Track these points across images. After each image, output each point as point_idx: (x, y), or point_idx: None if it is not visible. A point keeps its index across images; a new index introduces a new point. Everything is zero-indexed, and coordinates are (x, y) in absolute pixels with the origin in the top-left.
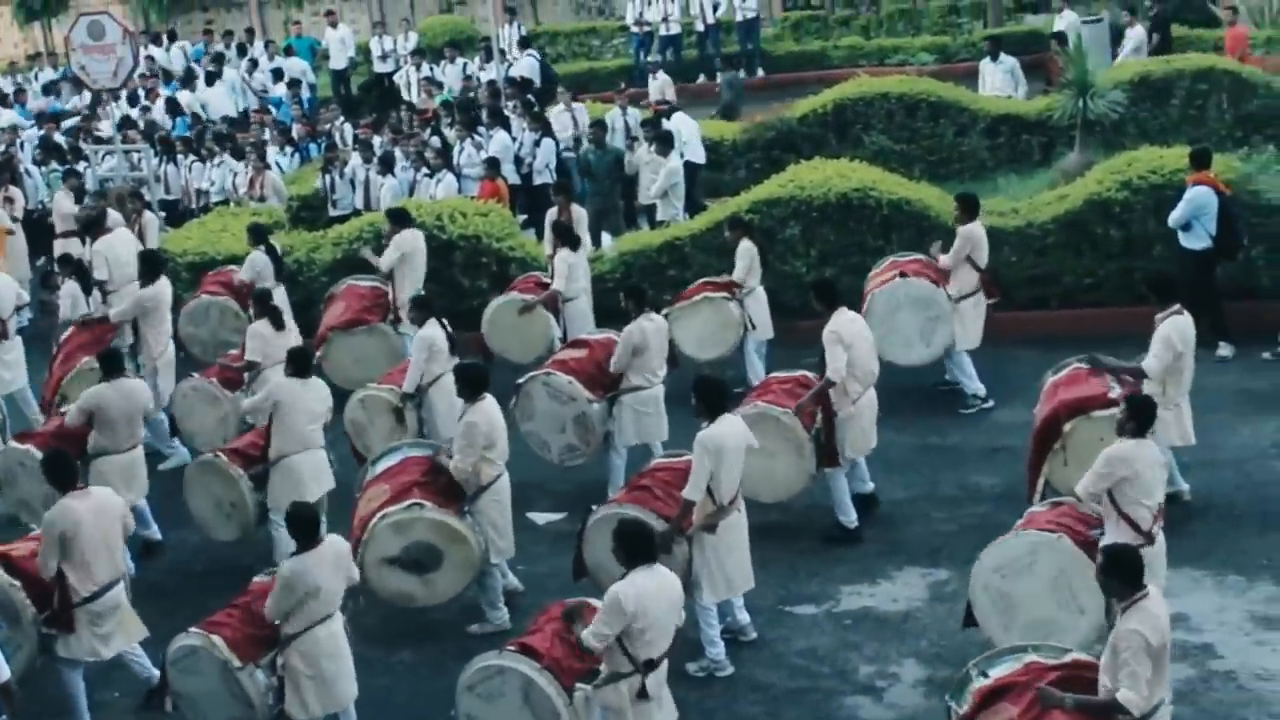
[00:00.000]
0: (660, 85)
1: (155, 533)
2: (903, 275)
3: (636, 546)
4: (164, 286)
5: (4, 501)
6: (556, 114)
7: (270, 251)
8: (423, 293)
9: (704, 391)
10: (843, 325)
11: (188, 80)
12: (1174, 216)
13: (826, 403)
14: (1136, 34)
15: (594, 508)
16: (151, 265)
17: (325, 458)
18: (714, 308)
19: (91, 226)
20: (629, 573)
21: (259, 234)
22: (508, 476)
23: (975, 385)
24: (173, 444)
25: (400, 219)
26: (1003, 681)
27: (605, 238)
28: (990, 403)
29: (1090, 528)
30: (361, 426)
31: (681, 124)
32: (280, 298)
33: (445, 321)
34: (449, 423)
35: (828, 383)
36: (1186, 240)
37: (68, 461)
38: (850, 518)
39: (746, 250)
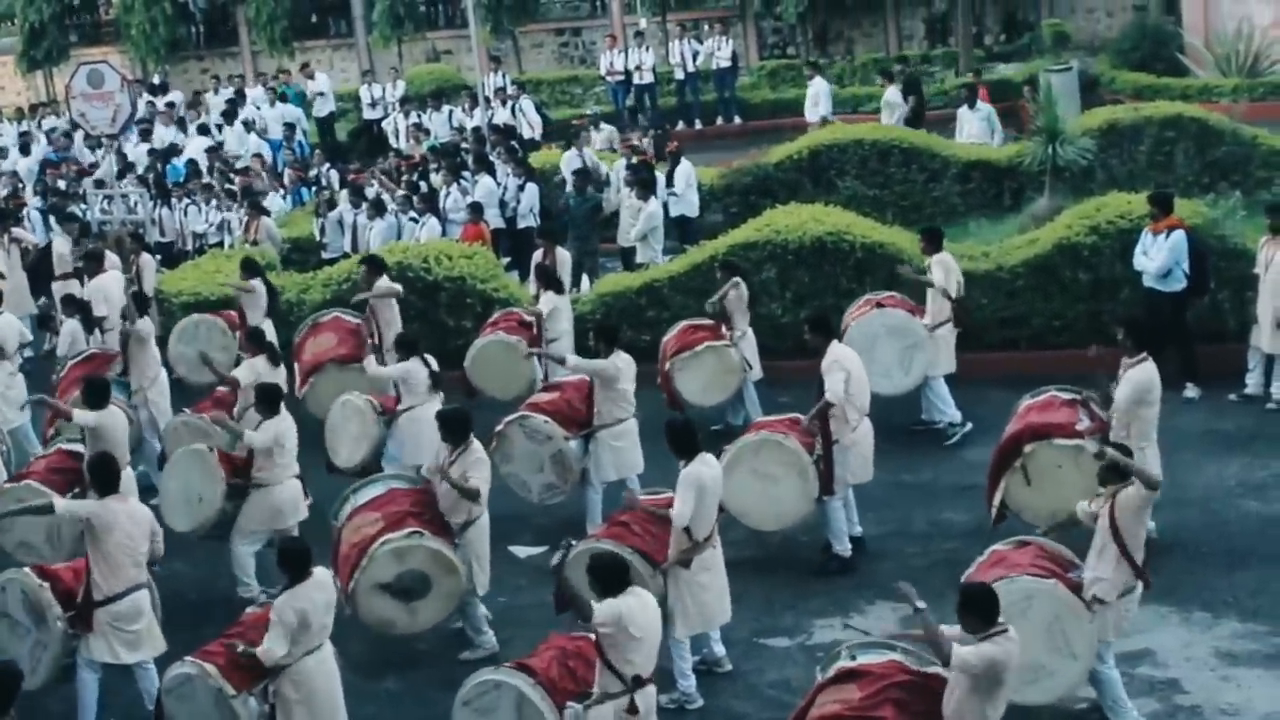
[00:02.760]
0: (606, 136)
1: None
2: (879, 306)
3: (610, 578)
4: (149, 322)
5: (5, 541)
6: (569, 158)
7: (265, 284)
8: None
9: (675, 435)
10: (840, 353)
11: (230, 116)
12: (1156, 265)
13: (826, 430)
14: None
15: (572, 543)
16: (139, 303)
17: (300, 488)
18: (718, 356)
19: (90, 264)
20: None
21: (252, 267)
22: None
23: (952, 413)
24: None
25: (377, 266)
26: (863, 668)
27: (584, 281)
28: (969, 425)
29: (1068, 569)
30: (335, 426)
31: (681, 173)
32: (271, 334)
33: (429, 359)
34: (414, 453)
35: (826, 404)
36: (1161, 283)
37: (111, 466)
38: (845, 546)
39: (738, 296)
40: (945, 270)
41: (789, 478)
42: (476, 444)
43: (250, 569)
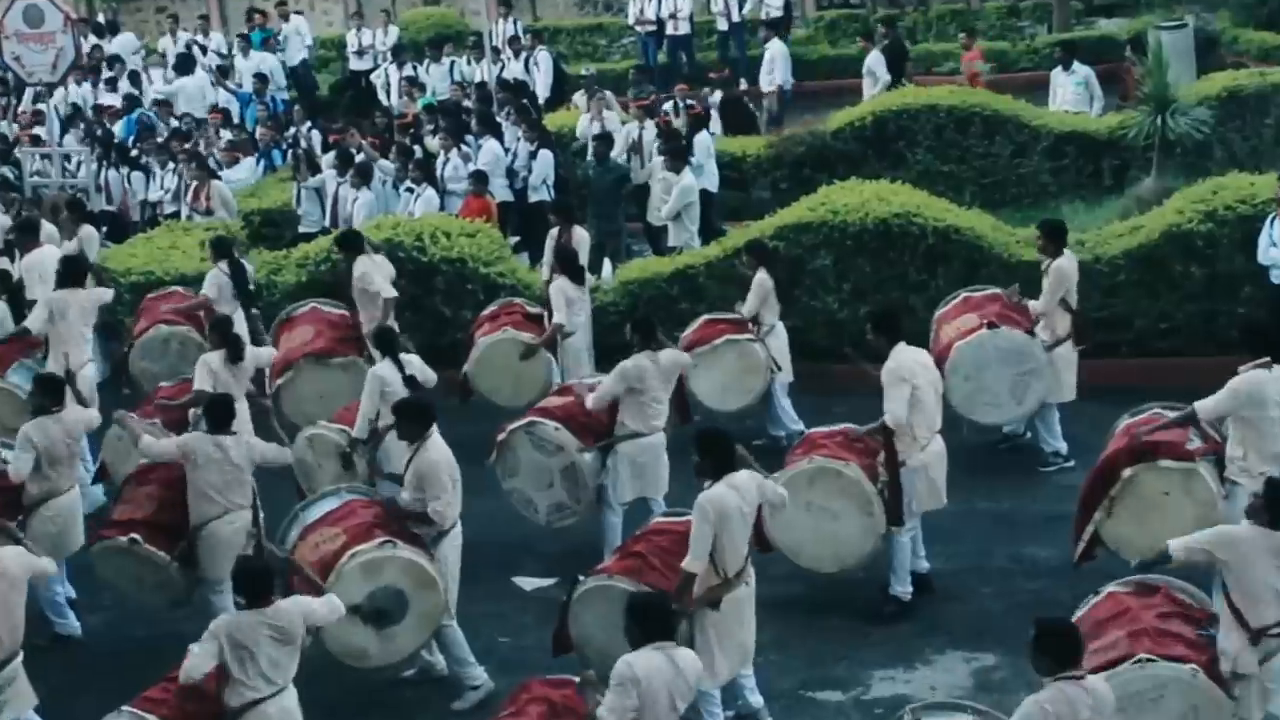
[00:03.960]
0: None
1: (72, 623)
2: (991, 326)
3: (653, 623)
4: (83, 293)
5: None
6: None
7: (234, 268)
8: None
9: (708, 446)
10: (904, 362)
11: (184, 66)
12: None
13: (892, 452)
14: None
15: (580, 577)
16: (71, 269)
17: (249, 518)
18: (738, 351)
19: (24, 236)
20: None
21: (222, 248)
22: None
23: (1057, 442)
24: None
25: (353, 245)
26: None
27: (606, 265)
28: (1071, 463)
29: (1200, 626)
30: (309, 469)
31: (700, 142)
32: (240, 324)
33: (405, 359)
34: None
35: (884, 425)
36: None
37: None
38: (906, 588)
39: (761, 284)
40: (1059, 277)
41: (850, 513)
42: (435, 441)
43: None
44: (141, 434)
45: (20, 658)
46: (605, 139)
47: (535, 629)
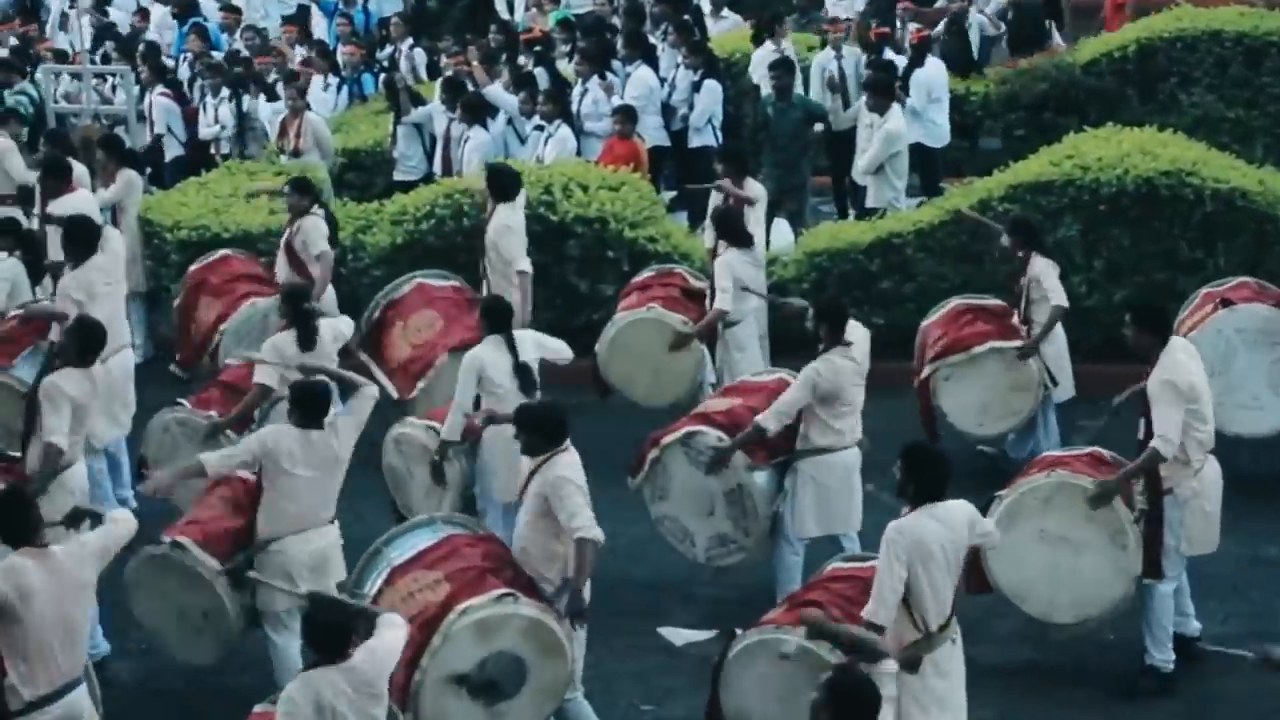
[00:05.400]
0: (733, 24)
1: (101, 644)
2: (1225, 304)
3: (855, 714)
4: (103, 271)
5: None
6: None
7: (327, 217)
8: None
9: (916, 465)
10: (1178, 368)
11: None
12: None
13: (1155, 477)
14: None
15: (738, 631)
16: (86, 237)
17: (336, 538)
18: (1004, 362)
19: (50, 179)
20: None
21: (305, 188)
22: None
23: None
24: (125, 496)
25: (504, 186)
26: None
27: (782, 227)
28: None
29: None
30: (399, 478)
31: (921, 80)
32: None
33: (522, 337)
34: (506, 485)
35: (1154, 456)
36: None
37: (20, 504)
38: (1166, 656)
39: (1047, 270)
40: None
41: (1098, 545)
42: (568, 459)
43: None
44: (210, 465)
45: (84, 687)
46: (785, 66)
47: (686, 694)
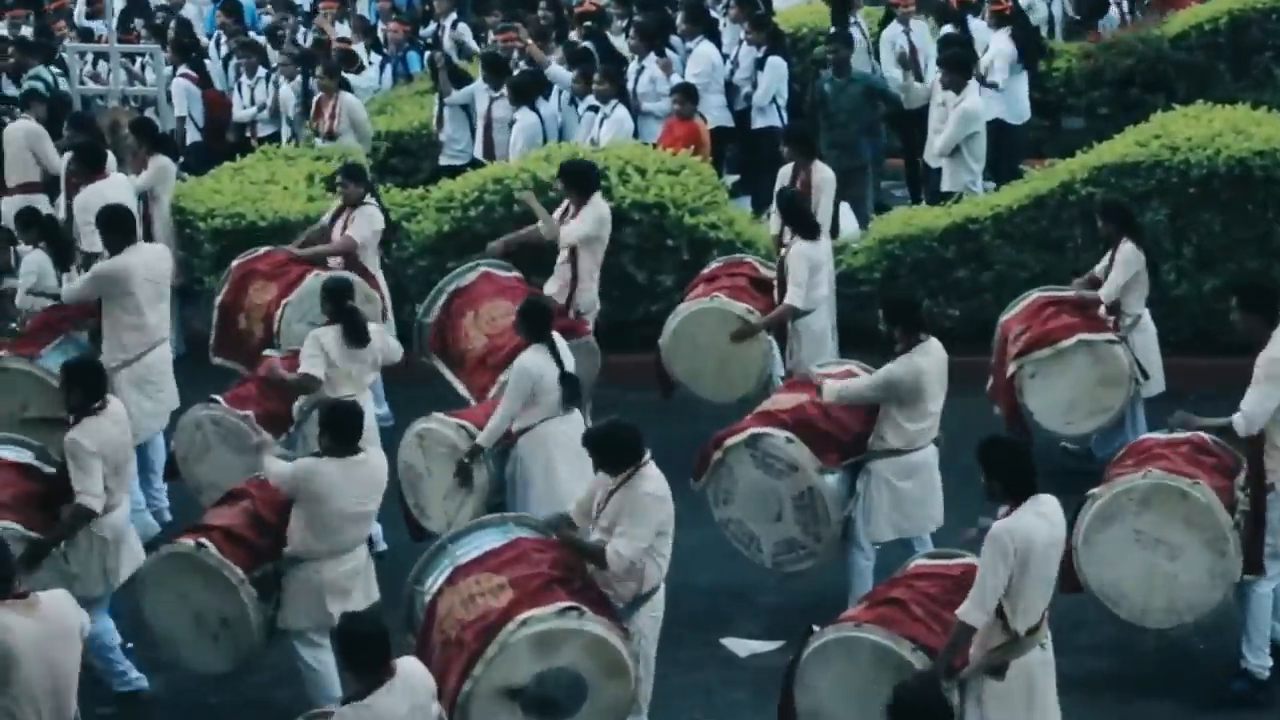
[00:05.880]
0: None
1: (134, 675)
2: None
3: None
4: (143, 257)
5: None
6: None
7: (380, 204)
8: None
9: (999, 461)
10: None
11: None
12: None
13: (1258, 471)
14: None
15: (815, 628)
16: (122, 225)
17: (366, 556)
18: (1093, 356)
19: (83, 165)
20: None
21: (359, 176)
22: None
23: None
24: (158, 498)
25: (582, 180)
26: None
27: (845, 213)
28: None
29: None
30: (415, 475)
31: (997, 52)
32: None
33: (562, 343)
34: (544, 496)
35: (1228, 429)
36: None
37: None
38: (1263, 661)
39: (1128, 259)
40: None
41: (1195, 550)
42: (651, 472)
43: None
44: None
45: None
46: (843, 39)
47: (750, 709)
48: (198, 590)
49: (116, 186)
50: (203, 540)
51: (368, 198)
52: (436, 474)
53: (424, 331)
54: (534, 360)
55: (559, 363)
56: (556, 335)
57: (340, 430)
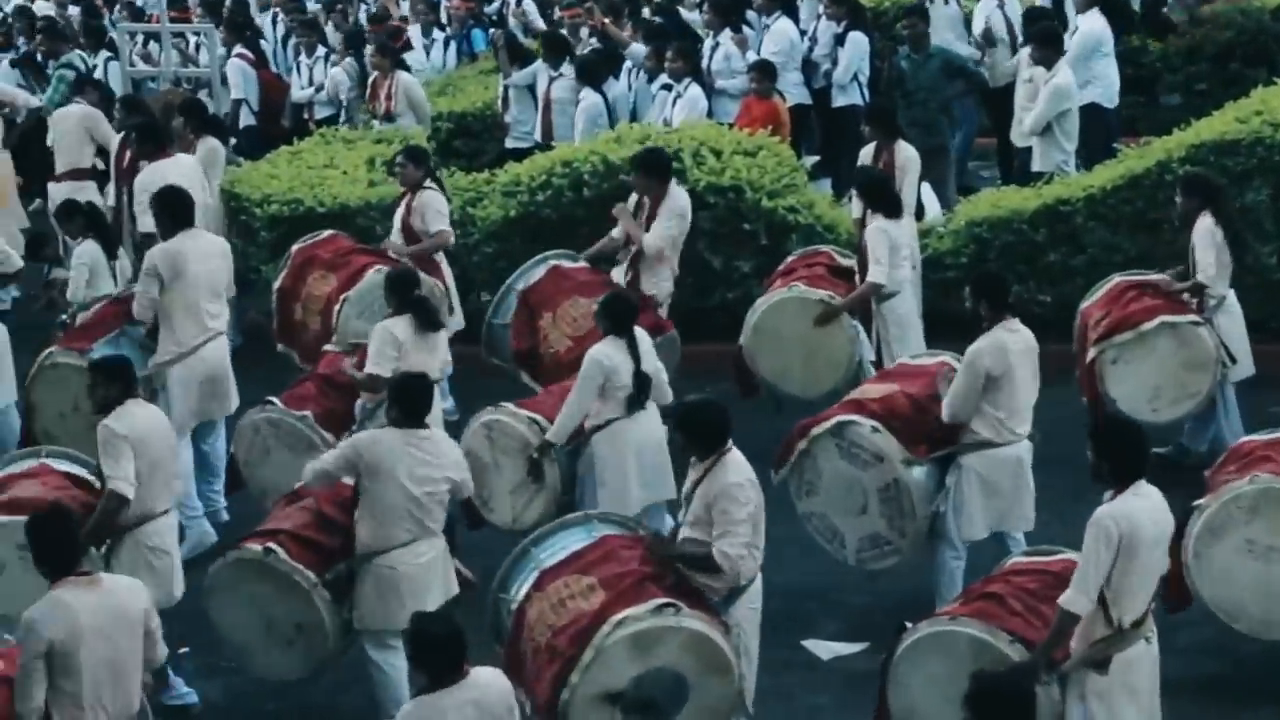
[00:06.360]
0: None
1: (184, 690)
2: None
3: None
4: (197, 244)
5: None
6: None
7: (440, 185)
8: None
9: (1113, 440)
10: None
11: None
12: None
13: None
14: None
15: (908, 625)
16: (177, 208)
17: (444, 549)
18: (1176, 339)
19: (146, 141)
20: None
21: (420, 159)
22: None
23: None
24: (215, 499)
25: (659, 165)
26: None
27: (926, 193)
28: None
29: None
30: (482, 467)
31: (1086, 33)
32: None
33: (645, 340)
34: (616, 496)
35: None
36: None
37: (62, 529)
38: None
39: (1208, 237)
40: None
41: None
42: (735, 459)
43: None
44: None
45: None
46: (920, 13)
47: (832, 713)
48: (269, 597)
49: (179, 166)
50: (271, 545)
51: (427, 181)
52: (504, 467)
53: (494, 333)
54: (607, 352)
55: (635, 359)
56: (641, 332)
57: (409, 403)
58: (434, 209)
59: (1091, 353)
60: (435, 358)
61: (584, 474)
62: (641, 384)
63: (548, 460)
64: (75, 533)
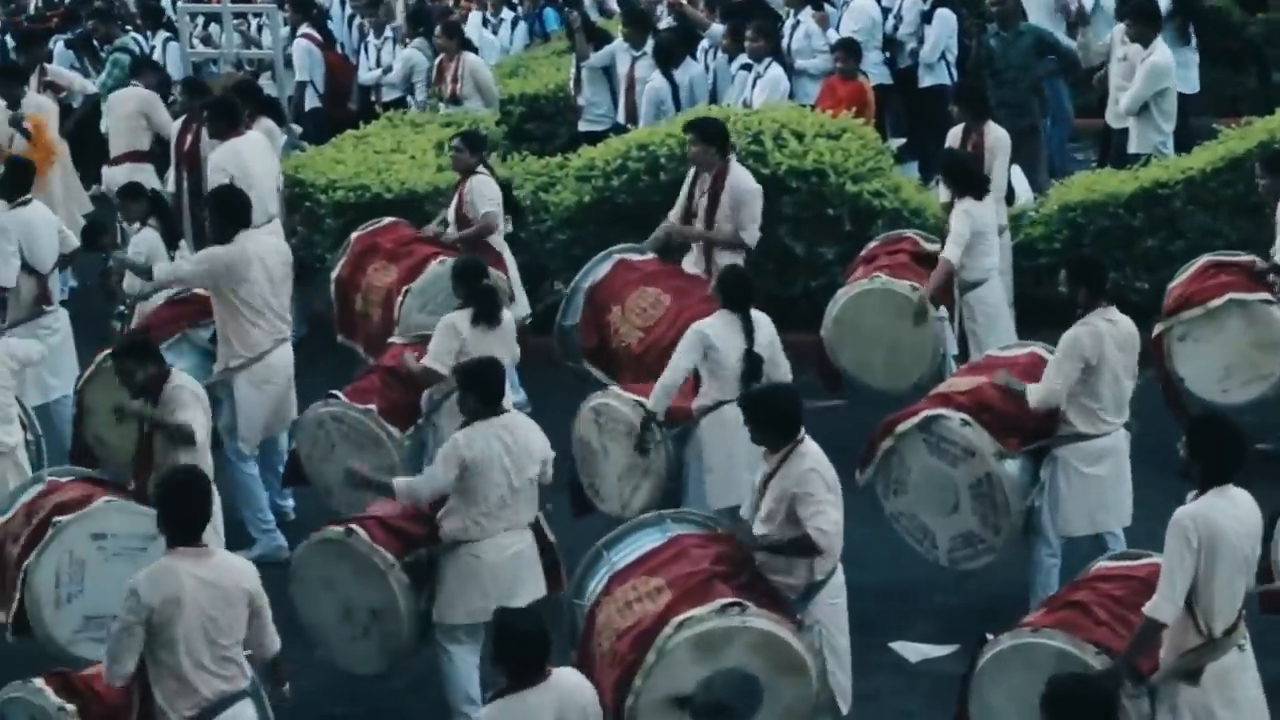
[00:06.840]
0: None
1: None
2: None
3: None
4: (259, 245)
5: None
6: None
7: (492, 173)
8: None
9: (1209, 438)
10: None
11: None
12: None
13: None
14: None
15: (989, 636)
16: (235, 208)
17: (531, 543)
18: (1247, 317)
19: (220, 120)
20: None
21: (476, 143)
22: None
23: None
24: (284, 506)
25: (721, 138)
26: None
27: (1016, 176)
28: None
29: None
30: (591, 454)
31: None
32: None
33: (763, 321)
34: (725, 480)
35: None
36: None
37: (189, 495)
38: None
39: None
40: None
41: None
42: (809, 448)
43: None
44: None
45: (246, 705)
46: None
47: (923, 716)
48: (346, 579)
49: (252, 144)
50: (353, 526)
51: (479, 168)
52: (613, 453)
53: (566, 336)
54: (715, 326)
55: (749, 338)
56: (760, 315)
57: (484, 389)
58: (482, 193)
59: (1158, 328)
60: (504, 349)
61: (691, 460)
62: (753, 365)
63: (654, 445)
64: (202, 503)
